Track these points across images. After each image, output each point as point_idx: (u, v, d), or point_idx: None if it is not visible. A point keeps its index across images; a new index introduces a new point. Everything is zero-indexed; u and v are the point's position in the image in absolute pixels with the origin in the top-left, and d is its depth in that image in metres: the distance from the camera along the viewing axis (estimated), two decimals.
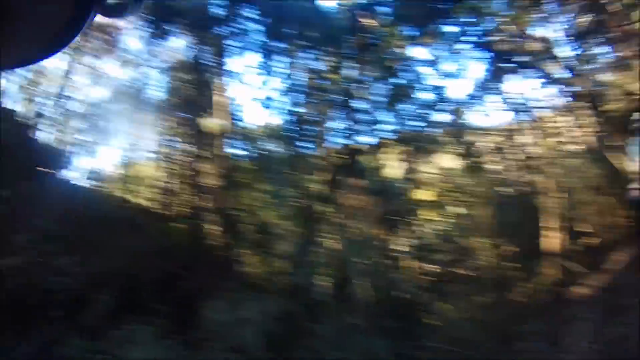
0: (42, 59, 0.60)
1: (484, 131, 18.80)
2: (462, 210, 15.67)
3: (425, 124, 18.35)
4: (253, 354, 8.50)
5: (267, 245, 12.89)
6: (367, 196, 16.14)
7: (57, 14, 0.51)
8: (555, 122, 17.48)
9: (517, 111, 16.62)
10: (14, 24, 0.47)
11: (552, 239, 12.40)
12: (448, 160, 18.82)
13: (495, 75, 16.78)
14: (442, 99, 17.96)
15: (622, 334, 5.76)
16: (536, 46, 14.04)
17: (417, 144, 18.15)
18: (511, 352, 8.21)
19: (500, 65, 16.32)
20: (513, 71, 15.62)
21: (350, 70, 13.68)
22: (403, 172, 18.06)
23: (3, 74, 10.30)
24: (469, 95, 18.42)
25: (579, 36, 17.06)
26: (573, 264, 11.20)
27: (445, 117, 17.72)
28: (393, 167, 18.66)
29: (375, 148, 17.95)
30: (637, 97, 8.66)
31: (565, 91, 13.55)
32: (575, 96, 13.56)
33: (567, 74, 13.86)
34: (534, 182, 15.26)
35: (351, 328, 10.21)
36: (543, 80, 16.54)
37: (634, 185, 10.56)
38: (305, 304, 10.46)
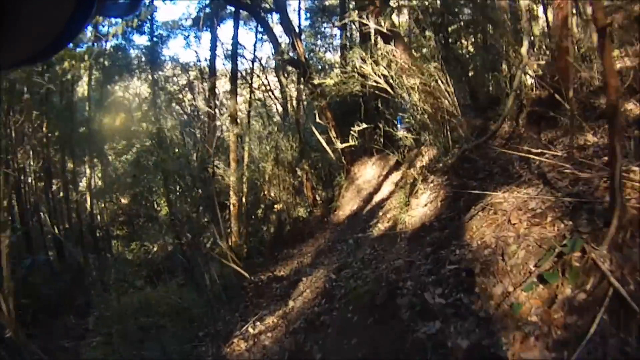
0: (41, 59, 0.52)
1: (185, 67, 17.76)
2: (142, 146, 14.38)
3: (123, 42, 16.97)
4: None
5: None
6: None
7: (57, 14, 0.45)
8: (265, 80, 17.65)
9: (228, 57, 15.51)
10: (13, 24, 0.43)
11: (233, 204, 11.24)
12: (141, 88, 17.28)
13: (214, 16, 15.51)
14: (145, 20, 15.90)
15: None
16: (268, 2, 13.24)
17: (114, 65, 16.94)
18: None
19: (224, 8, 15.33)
20: (234, 18, 14.35)
21: None
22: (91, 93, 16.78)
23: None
24: (179, 26, 16.71)
25: (315, 11, 17.04)
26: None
27: (144, 41, 16.17)
28: (81, 86, 16.59)
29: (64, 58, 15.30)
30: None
31: (280, 56, 12.18)
32: (289, 63, 12.54)
33: (285, 40, 13.08)
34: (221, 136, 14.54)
35: None
36: (263, 37, 16.30)
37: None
38: None
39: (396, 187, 8.00)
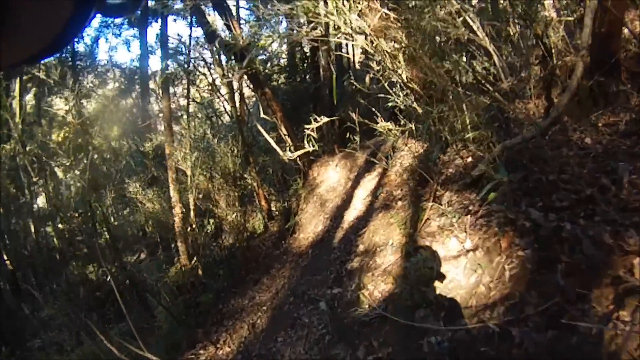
0: (42, 58, 0.51)
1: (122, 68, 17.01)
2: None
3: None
4: None
5: None
6: None
7: (57, 14, 0.45)
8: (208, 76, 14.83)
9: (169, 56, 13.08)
10: (13, 24, 0.42)
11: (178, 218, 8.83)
12: (75, 99, 15.73)
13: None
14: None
15: None
16: None
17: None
18: None
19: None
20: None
21: None
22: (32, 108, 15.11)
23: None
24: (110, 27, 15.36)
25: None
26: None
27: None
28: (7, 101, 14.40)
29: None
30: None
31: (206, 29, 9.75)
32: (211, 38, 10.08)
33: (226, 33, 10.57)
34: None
35: None
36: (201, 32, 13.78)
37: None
38: None
39: (374, 199, 5.50)
